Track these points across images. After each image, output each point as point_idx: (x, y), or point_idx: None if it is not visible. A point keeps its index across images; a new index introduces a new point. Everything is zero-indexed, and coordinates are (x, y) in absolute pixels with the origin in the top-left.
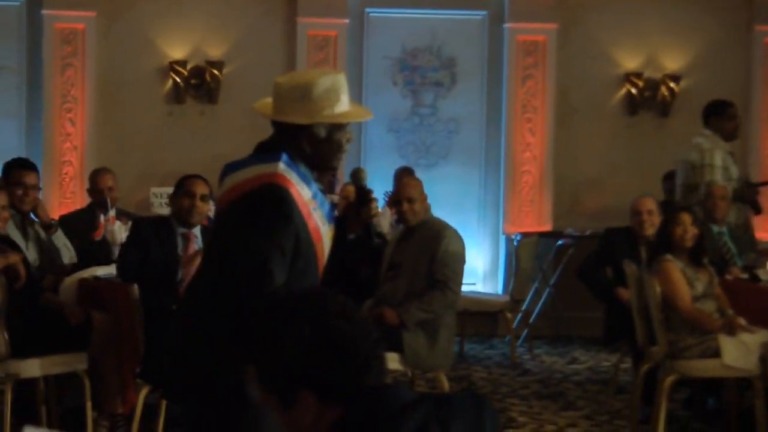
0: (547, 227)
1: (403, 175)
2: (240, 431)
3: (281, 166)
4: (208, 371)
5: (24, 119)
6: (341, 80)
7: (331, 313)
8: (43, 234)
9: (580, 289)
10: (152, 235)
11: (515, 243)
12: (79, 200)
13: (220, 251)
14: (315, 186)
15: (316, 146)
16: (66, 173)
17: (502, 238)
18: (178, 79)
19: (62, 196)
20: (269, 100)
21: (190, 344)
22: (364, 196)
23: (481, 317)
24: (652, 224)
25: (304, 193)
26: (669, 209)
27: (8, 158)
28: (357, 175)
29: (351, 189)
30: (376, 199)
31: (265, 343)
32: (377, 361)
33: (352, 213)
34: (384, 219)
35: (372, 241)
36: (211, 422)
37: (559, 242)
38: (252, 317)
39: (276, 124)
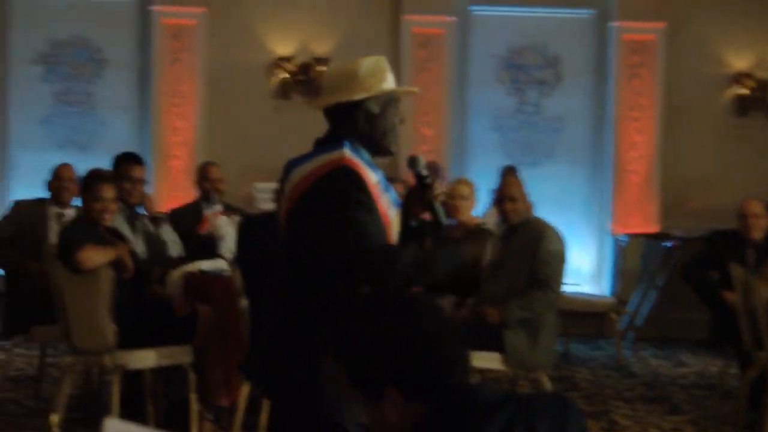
0: (654, 228)
1: (507, 174)
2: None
3: (347, 151)
4: (301, 362)
5: (135, 113)
6: (384, 61)
7: (417, 311)
8: (150, 227)
9: (687, 292)
10: (260, 231)
11: (622, 244)
12: (188, 194)
13: (308, 238)
14: (380, 173)
15: (373, 123)
16: (174, 167)
17: (609, 239)
18: (284, 75)
19: (171, 190)
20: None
21: (283, 335)
22: (423, 179)
23: (587, 318)
24: (759, 227)
25: (371, 177)
26: None
27: (119, 151)
28: (413, 162)
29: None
30: (433, 182)
31: (352, 341)
32: (461, 360)
33: (414, 199)
34: (490, 217)
35: (441, 223)
36: (298, 413)
37: (667, 244)
38: (339, 316)
39: (331, 115)
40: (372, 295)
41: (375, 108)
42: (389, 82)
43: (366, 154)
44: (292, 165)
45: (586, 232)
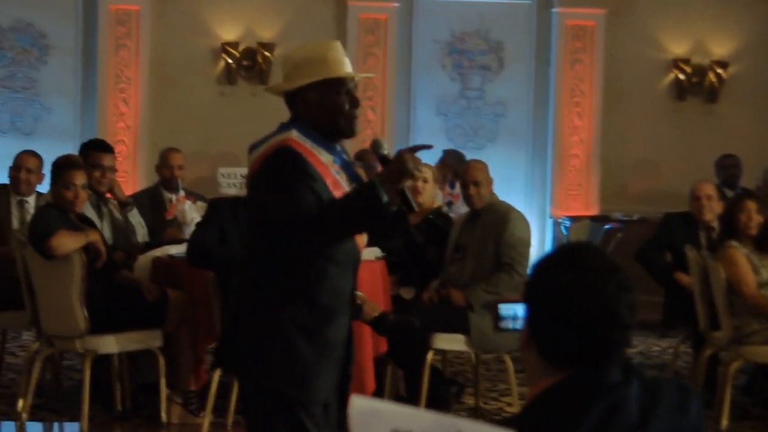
0: (593, 211)
1: (448, 158)
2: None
3: (293, 133)
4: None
5: (79, 99)
6: (328, 46)
7: (585, 283)
8: (116, 212)
9: (628, 273)
10: (228, 214)
11: (563, 227)
12: (132, 179)
13: (257, 215)
14: (336, 151)
15: (312, 111)
16: (119, 152)
17: (549, 222)
18: (230, 61)
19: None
20: None
21: (240, 308)
22: (387, 161)
23: None
24: (710, 209)
25: (323, 157)
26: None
27: (64, 136)
28: (376, 145)
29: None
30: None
31: (533, 281)
32: (608, 336)
33: None
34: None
35: (410, 205)
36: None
37: (607, 226)
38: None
39: (285, 100)
40: (566, 247)
41: (312, 96)
42: (332, 68)
43: (319, 136)
44: (251, 148)
45: (527, 215)
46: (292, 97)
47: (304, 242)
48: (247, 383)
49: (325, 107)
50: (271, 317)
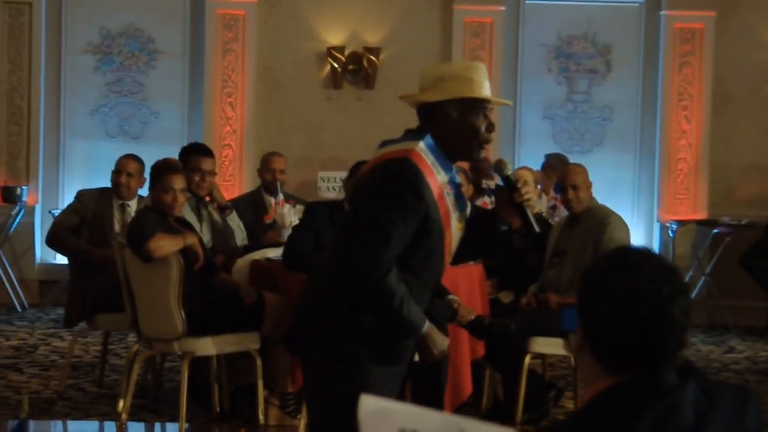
0: (701, 215)
1: (552, 162)
2: (346, 381)
3: (421, 145)
4: (322, 326)
5: (186, 103)
6: (476, 67)
7: (641, 288)
8: (216, 216)
9: (736, 278)
10: (326, 218)
11: (670, 231)
12: (238, 183)
13: (349, 218)
14: (453, 173)
15: (449, 127)
16: (225, 156)
17: (656, 225)
18: (335, 65)
19: (222, 179)
20: None
21: (310, 299)
22: (510, 182)
23: None
24: None
25: (439, 176)
26: None
27: (171, 140)
28: (499, 166)
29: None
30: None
31: (586, 285)
32: (663, 339)
33: (503, 204)
34: (538, 204)
35: (532, 228)
36: (321, 368)
37: (715, 230)
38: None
39: (418, 111)
40: (621, 251)
41: (453, 112)
42: (476, 89)
43: (443, 154)
44: (381, 145)
45: (634, 219)
46: (430, 109)
47: (344, 266)
48: (316, 382)
49: (463, 125)
50: (347, 326)
